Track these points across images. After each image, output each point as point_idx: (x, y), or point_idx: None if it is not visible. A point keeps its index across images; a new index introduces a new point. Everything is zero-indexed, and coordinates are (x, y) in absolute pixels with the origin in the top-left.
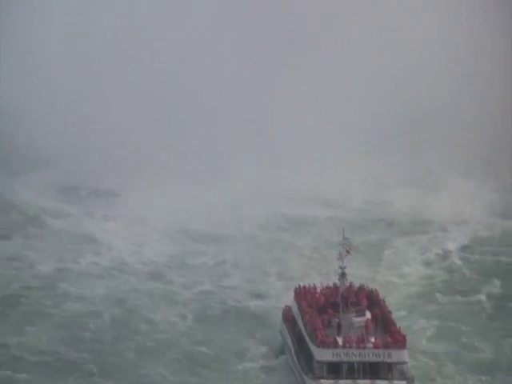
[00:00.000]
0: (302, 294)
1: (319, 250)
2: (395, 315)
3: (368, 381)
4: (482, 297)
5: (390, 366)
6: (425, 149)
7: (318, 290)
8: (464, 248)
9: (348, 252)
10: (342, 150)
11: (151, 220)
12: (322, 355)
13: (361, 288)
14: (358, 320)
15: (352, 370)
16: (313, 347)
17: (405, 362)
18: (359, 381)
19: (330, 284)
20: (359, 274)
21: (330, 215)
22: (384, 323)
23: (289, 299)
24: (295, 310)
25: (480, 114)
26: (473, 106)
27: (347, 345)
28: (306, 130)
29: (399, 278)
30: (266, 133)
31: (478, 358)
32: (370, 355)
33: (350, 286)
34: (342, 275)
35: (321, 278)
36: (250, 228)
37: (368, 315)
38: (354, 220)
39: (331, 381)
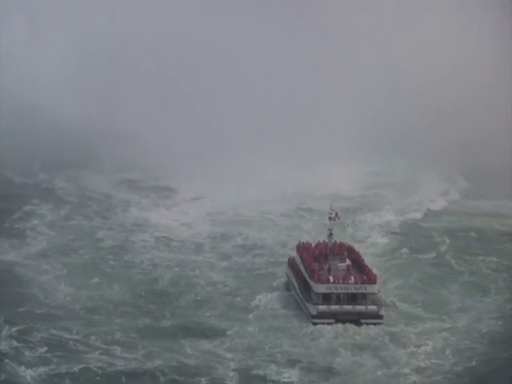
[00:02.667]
0: (302, 248)
1: (322, 230)
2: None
3: (350, 306)
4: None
5: (365, 296)
6: (408, 153)
7: (313, 245)
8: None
9: (333, 218)
10: (342, 155)
11: (196, 208)
12: (319, 288)
13: (342, 244)
14: (342, 265)
15: (339, 299)
16: (312, 283)
17: (375, 293)
18: (344, 306)
19: (321, 241)
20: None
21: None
22: (359, 267)
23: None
24: (298, 259)
25: (469, 118)
26: (463, 111)
27: (336, 281)
28: (314, 137)
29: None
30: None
31: None
32: (352, 288)
33: (335, 242)
34: (330, 235)
35: None
36: (273, 216)
37: (348, 262)
38: (347, 208)
39: (325, 306)
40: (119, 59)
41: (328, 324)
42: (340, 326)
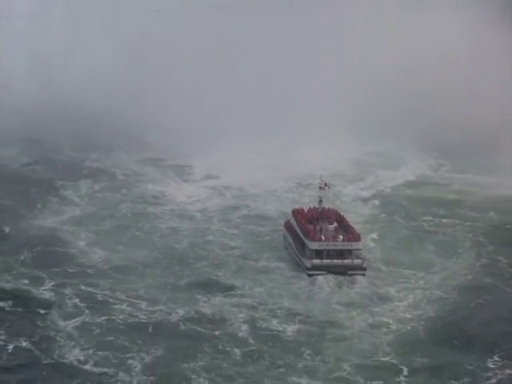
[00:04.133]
0: (297, 212)
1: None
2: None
3: (339, 260)
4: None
5: (350, 252)
6: (396, 135)
7: (306, 211)
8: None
9: (323, 188)
10: (340, 138)
11: (209, 185)
12: (313, 246)
13: (329, 209)
14: (330, 226)
15: (329, 254)
16: (307, 241)
17: (359, 249)
18: (334, 260)
19: (312, 207)
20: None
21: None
22: (345, 228)
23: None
24: (293, 222)
25: (460, 108)
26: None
27: (327, 239)
28: (316, 123)
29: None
30: (280, 122)
31: None
32: (340, 245)
33: (324, 208)
34: (320, 201)
35: None
36: (276, 192)
37: (335, 224)
38: (340, 183)
39: (318, 260)
40: (146, 54)
41: (321, 275)
42: (334, 286)
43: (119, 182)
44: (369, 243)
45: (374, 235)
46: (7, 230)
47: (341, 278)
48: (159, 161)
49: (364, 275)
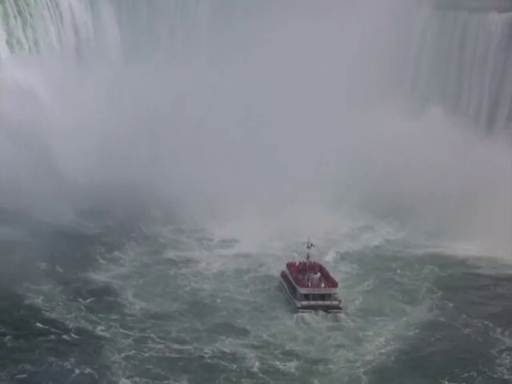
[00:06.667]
0: (290, 264)
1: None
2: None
3: (321, 301)
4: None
5: (330, 295)
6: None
7: (297, 263)
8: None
9: (309, 247)
10: (327, 214)
11: (226, 251)
12: (303, 291)
13: (315, 262)
14: (315, 276)
15: (314, 297)
16: (298, 287)
17: (336, 293)
18: (318, 301)
19: (301, 261)
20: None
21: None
22: (326, 277)
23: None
24: (287, 272)
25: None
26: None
27: (313, 286)
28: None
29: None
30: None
31: None
32: (322, 290)
33: (310, 261)
34: (308, 257)
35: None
36: (279, 258)
37: (319, 274)
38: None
39: (306, 302)
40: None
41: (309, 313)
42: (327, 332)
43: (154, 247)
44: (348, 292)
45: (352, 286)
46: (71, 282)
47: (328, 318)
48: (185, 232)
49: (341, 313)
